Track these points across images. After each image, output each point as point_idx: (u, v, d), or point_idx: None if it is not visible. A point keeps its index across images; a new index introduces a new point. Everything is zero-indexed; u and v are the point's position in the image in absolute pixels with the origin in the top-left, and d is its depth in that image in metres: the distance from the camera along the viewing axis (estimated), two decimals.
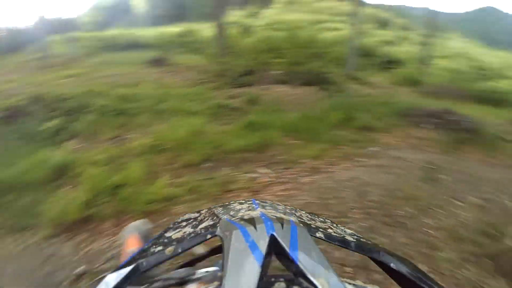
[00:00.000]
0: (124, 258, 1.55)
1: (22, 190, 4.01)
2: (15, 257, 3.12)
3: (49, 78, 11.02)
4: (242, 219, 0.59)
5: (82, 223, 3.49)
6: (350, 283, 0.59)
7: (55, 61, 14.87)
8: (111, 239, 3.26)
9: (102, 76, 10.98)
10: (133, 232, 1.60)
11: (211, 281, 0.71)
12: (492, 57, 23.39)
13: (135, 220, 1.80)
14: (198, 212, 0.80)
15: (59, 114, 6.49)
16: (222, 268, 0.47)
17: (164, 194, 3.92)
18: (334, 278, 0.46)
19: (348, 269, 2.83)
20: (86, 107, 6.80)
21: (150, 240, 0.68)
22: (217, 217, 0.66)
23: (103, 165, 4.57)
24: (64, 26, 24.83)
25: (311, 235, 0.57)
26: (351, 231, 0.72)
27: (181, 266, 1.00)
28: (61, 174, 4.44)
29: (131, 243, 1.51)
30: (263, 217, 0.58)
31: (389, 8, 34.65)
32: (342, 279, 0.51)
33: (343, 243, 0.61)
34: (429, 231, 3.41)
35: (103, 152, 5.04)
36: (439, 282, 0.56)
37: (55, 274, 2.85)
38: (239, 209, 0.68)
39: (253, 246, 0.49)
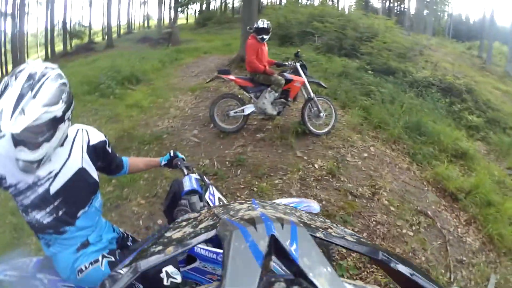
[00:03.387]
0: None
1: None
2: None
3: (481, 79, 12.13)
4: (242, 219, 0.58)
5: None
6: (350, 283, 0.58)
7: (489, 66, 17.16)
8: None
9: None
10: None
11: None
12: None
13: None
14: (198, 212, 0.79)
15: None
16: (222, 267, 0.46)
17: None
18: (334, 278, 0.46)
19: None
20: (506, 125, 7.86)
21: (150, 240, 0.69)
22: (217, 217, 0.66)
23: None
24: None
25: (311, 235, 0.55)
26: (351, 231, 0.72)
27: None
28: None
29: None
30: (263, 217, 0.56)
31: None
32: (342, 279, 0.50)
33: (343, 243, 0.60)
34: None
35: None
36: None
37: None
38: (239, 209, 0.67)
39: (253, 246, 0.48)
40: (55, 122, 1.39)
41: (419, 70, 8.82)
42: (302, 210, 0.81)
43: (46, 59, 27.32)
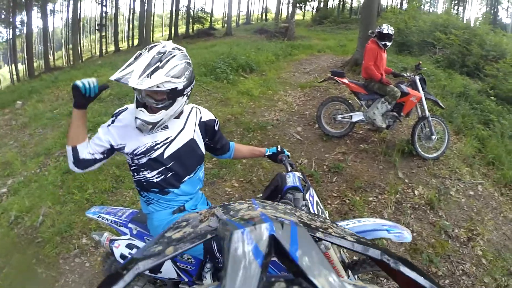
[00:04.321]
0: None
1: None
2: None
3: None
4: (242, 219, 0.57)
5: None
6: (350, 283, 0.55)
7: None
8: None
9: None
10: None
11: None
12: None
13: None
14: (198, 212, 0.77)
15: None
16: (222, 268, 0.45)
17: None
18: (334, 278, 0.44)
19: None
20: None
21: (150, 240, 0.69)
22: (217, 217, 0.65)
23: None
24: None
25: (311, 235, 0.55)
26: (351, 231, 0.69)
27: None
28: None
29: None
30: (263, 217, 0.55)
31: None
32: (342, 279, 0.48)
33: (343, 243, 0.59)
34: None
35: None
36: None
37: None
38: (239, 209, 0.65)
39: (253, 246, 0.47)
40: (175, 94, 1.60)
41: None
42: (302, 210, 0.80)
43: (169, 39, 29.41)
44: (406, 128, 5.85)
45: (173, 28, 32.33)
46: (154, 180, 1.77)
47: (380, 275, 3.07)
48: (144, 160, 1.73)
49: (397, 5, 29.79)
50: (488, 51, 9.77)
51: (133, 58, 1.53)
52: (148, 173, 1.75)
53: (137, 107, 1.63)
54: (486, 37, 10.32)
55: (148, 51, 1.53)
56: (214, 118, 2.01)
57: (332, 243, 0.60)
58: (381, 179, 4.60)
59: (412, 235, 3.30)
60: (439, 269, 3.31)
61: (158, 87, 1.50)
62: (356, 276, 2.16)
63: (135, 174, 1.80)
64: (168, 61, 1.53)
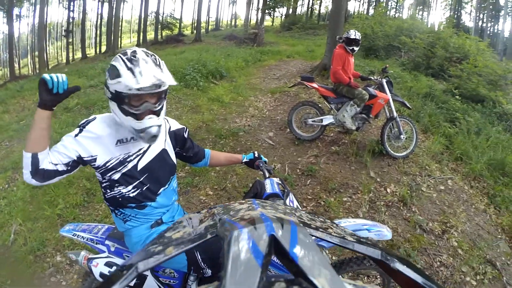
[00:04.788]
0: None
1: None
2: None
3: None
4: (242, 219, 0.57)
5: None
6: (350, 283, 0.57)
7: None
8: None
9: None
10: None
11: None
12: None
13: None
14: (198, 212, 0.78)
15: None
16: (222, 268, 0.45)
17: None
18: (334, 278, 0.45)
19: None
20: None
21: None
22: (217, 217, 0.65)
23: None
24: None
25: (311, 235, 0.55)
26: (351, 231, 0.69)
27: None
28: None
29: None
30: (263, 217, 0.55)
31: None
32: (342, 279, 0.50)
33: (343, 243, 0.59)
34: None
35: None
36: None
37: None
38: (239, 209, 0.65)
39: (253, 246, 0.48)
40: (165, 93, 1.60)
41: (510, 102, 8.00)
42: (302, 211, 0.79)
43: (138, 45, 29.25)
44: (376, 129, 5.95)
45: (141, 34, 31.94)
46: (131, 195, 1.69)
47: (360, 273, 3.11)
48: (117, 174, 1.64)
49: (364, 11, 30.62)
50: (452, 53, 10.14)
51: (128, 65, 1.46)
52: (124, 188, 1.67)
53: (126, 115, 1.52)
54: (450, 40, 10.70)
55: (135, 53, 1.49)
56: (183, 126, 1.99)
57: (332, 243, 0.60)
58: (354, 179, 4.65)
59: None
60: (417, 263, 3.36)
61: (164, 86, 1.52)
62: (340, 276, 2.16)
63: (108, 191, 1.70)
64: (158, 59, 1.54)
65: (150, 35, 32.54)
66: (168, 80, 1.48)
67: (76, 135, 1.57)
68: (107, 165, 1.62)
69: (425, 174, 4.82)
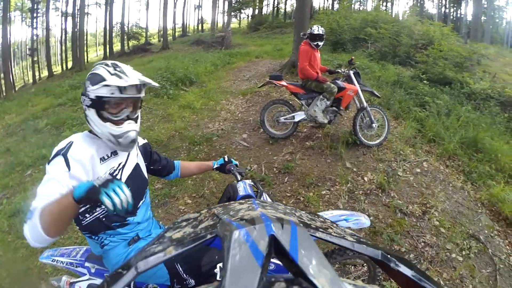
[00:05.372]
0: None
1: None
2: None
3: None
4: (242, 219, 0.57)
5: None
6: (350, 283, 0.55)
7: None
8: None
9: None
10: None
11: None
12: None
13: None
14: (198, 212, 0.77)
15: None
16: (222, 268, 0.46)
17: None
18: (334, 278, 0.44)
19: None
20: None
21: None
22: (217, 217, 0.65)
23: None
24: None
25: (311, 235, 0.55)
26: (351, 231, 0.70)
27: None
28: None
29: None
30: (263, 217, 0.55)
31: None
32: (342, 279, 0.49)
33: (343, 243, 0.58)
34: None
35: None
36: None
37: None
38: (239, 209, 0.65)
39: (253, 246, 0.47)
40: (140, 104, 1.65)
41: (476, 81, 8.22)
42: (302, 211, 0.79)
43: (105, 58, 28.87)
44: (347, 120, 5.98)
45: (107, 46, 31.56)
46: (114, 213, 1.59)
47: (347, 263, 3.10)
48: None
49: (329, 6, 31.00)
50: (417, 40, 10.46)
51: (111, 71, 1.49)
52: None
53: (104, 122, 1.51)
54: (414, 27, 11.03)
55: (117, 63, 1.55)
56: (145, 140, 2.02)
57: (332, 243, 0.59)
58: (331, 172, 4.65)
59: (369, 218, 3.40)
60: (401, 246, 3.39)
61: (143, 92, 1.56)
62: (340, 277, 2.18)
63: (88, 215, 1.58)
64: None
65: (117, 47, 32.26)
66: (151, 82, 1.52)
67: (69, 170, 1.42)
68: None
69: (400, 159, 4.87)
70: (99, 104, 1.49)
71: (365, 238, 0.64)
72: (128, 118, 1.56)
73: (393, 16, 18.55)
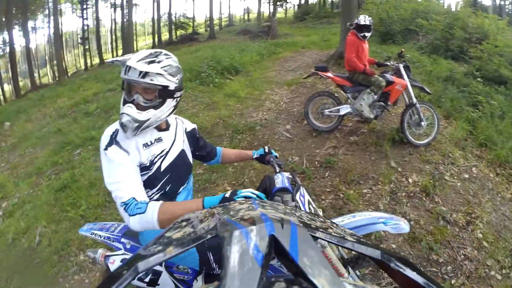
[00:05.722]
0: None
1: None
2: None
3: None
4: (242, 219, 0.58)
5: None
6: (350, 283, 0.55)
7: None
8: None
9: None
10: None
11: None
12: None
13: None
14: (198, 212, 0.77)
15: None
16: (222, 268, 0.45)
17: None
18: (334, 278, 0.44)
19: None
20: None
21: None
22: (217, 217, 0.66)
23: None
24: None
25: (311, 235, 0.55)
26: (351, 231, 0.70)
27: None
28: None
29: None
30: (263, 217, 0.56)
31: None
32: (342, 279, 0.48)
33: (343, 243, 0.59)
34: None
35: None
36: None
37: None
38: (239, 209, 0.66)
39: (253, 246, 0.48)
40: (166, 94, 1.57)
41: None
42: (302, 210, 0.80)
43: (153, 46, 29.65)
44: (395, 116, 5.79)
45: (156, 36, 32.33)
46: (154, 198, 1.68)
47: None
48: (143, 177, 1.62)
49: None
50: (471, 34, 9.80)
51: (128, 57, 1.50)
52: (149, 191, 1.66)
53: (123, 104, 1.55)
54: (468, 20, 10.35)
55: (148, 53, 1.54)
56: (195, 126, 2.06)
57: (332, 243, 0.60)
58: (374, 170, 4.53)
59: (410, 223, 3.26)
60: (440, 256, 3.25)
61: (152, 80, 1.48)
62: (358, 271, 2.15)
63: None
64: (163, 59, 1.53)
65: (165, 36, 32.96)
66: (153, 72, 1.47)
67: (128, 153, 1.54)
68: (140, 167, 1.62)
69: (448, 162, 4.65)
70: (122, 85, 1.57)
71: (365, 238, 0.66)
72: (139, 105, 1.53)
73: (445, 7, 17.63)
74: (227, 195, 1.37)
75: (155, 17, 33.01)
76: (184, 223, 0.71)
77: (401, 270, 0.54)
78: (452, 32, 9.91)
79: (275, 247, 0.50)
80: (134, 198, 1.43)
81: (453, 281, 3.04)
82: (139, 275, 0.55)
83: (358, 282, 0.61)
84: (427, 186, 4.09)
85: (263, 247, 0.48)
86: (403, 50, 5.42)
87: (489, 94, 6.62)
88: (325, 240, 0.59)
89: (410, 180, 4.30)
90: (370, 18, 5.24)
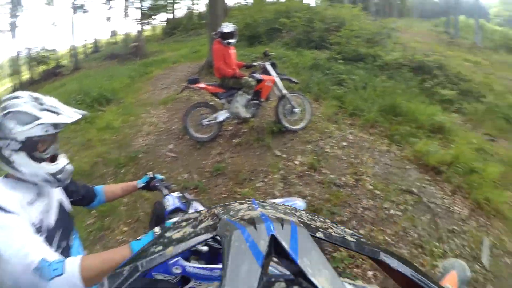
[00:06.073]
0: None
1: None
2: None
3: (450, 54, 12.20)
4: (242, 219, 0.58)
5: None
6: (350, 283, 0.61)
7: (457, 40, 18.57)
8: None
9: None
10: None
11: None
12: None
13: None
14: (198, 212, 0.79)
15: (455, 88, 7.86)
16: (222, 268, 0.46)
17: None
18: (334, 278, 0.46)
19: None
20: (478, 94, 7.98)
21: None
22: (217, 217, 0.66)
23: None
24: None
25: (311, 235, 0.56)
26: (351, 231, 0.72)
27: None
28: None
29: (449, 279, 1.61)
30: (263, 217, 0.56)
31: None
32: (342, 279, 0.52)
33: (343, 243, 0.61)
34: None
35: None
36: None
37: None
38: (239, 209, 0.67)
39: (253, 246, 0.49)
40: None
41: (388, 53, 8.92)
42: (302, 211, 0.81)
43: (14, 90, 26.97)
44: (270, 110, 6.12)
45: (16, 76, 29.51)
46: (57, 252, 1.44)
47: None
48: (41, 234, 1.39)
49: (243, 2, 31.32)
50: (329, 24, 11.02)
51: (39, 107, 1.34)
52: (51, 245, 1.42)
53: (39, 162, 1.37)
54: (325, 12, 11.51)
55: (38, 95, 1.39)
56: None
57: (332, 243, 0.61)
58: (262, 163, 4.74)
59: (307, 199, 3.63)
60: (342, 216, 3.58)
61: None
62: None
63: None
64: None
65: (26, 75, 30.22)
66: (84, 112, 1.49)
67: (12, 214, 1.27)
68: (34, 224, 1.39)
69: (326, 137, 5.13)
70: (30, 145, 1.34)
71: (365, 238, 0.69)
72: (57, 152, 1.48)
73: (305, 4, 19.26)
74: (156, 231, 1.26)
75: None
76: (184, 223, 0.71)
77: (400, 270, 0.57)
78: (312, 26, 11.00)
79: (275, 247, 0.51)
80: (44, 260, 1.18)
81: (361, 231, 3.38)
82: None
83: (358, 282, 0.63)
84: (313, 163, 4.47)
85: (263, 247, 0.49)
86: (267, 49, 5.83)
87: (351, 72, 7.53)
88: (325, 240, 0.60)
89: (296, 162, 4.62)
90: (233, 24, 5.51)
